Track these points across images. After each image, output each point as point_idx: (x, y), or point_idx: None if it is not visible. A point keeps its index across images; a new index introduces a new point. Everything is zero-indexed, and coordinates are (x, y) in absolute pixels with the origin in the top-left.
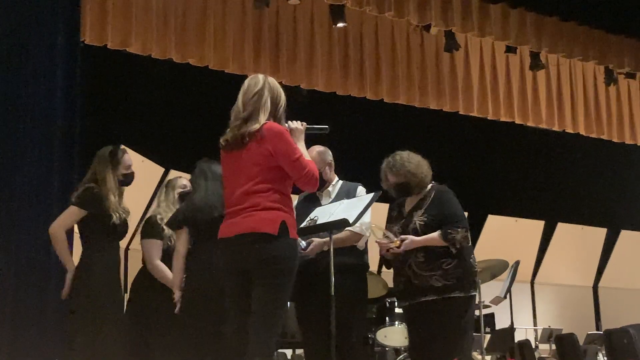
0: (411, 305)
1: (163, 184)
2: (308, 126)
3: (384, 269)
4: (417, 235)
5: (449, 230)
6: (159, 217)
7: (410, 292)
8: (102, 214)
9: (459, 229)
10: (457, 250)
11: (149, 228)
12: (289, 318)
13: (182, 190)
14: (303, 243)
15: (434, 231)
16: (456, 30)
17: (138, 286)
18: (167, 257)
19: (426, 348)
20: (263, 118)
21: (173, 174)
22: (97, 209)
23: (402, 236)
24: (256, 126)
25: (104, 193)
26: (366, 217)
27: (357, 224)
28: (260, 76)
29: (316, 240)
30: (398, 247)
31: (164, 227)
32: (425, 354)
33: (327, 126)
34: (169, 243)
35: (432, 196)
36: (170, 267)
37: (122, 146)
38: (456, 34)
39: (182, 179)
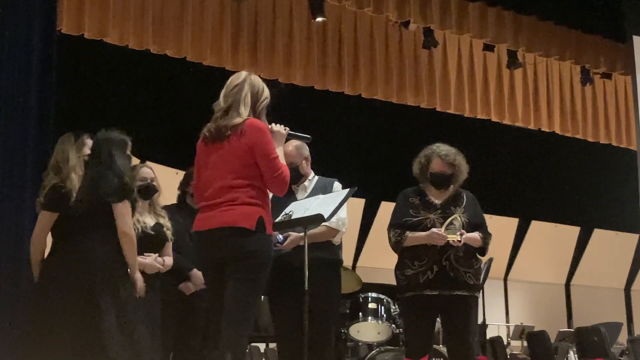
0: (442, 296)
1: None
2: (291, 132)
3: (358, 264)
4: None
5: (486, 236)
6: None
7: (443, 282)
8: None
9: (490, 236)
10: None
11: None
12: (263, 312)
13: (141, 183)
14: (280, 237)
15: (471, 231)
16: (435, 27)
17: None
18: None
19: (459, 339)
20: (245, 112)
21: (148, 165)
22: (66, 206)
23: (462, 230)
24: (238, 120)
25: (66, 173)
26: (342, 213)
27: (333, 219)
28: (244, 72)
29: (293, 234)
30: (459, 241)
31: None
32: (459, 344)
33: (309, 136)
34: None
35: (465, 197)
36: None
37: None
38: (435, 31)
39: (144, 169)
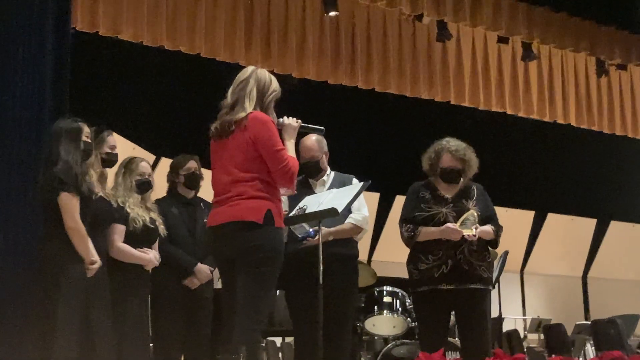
0: (457, 290)
1: (121, 164)
2: (303, 124)
3: (373, 258)
4: None
5: (497, 229)
6: (119, 200)
7: (458, 276)
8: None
9: (502, 228)
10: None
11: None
12: (279, 306)
13: (139, 177)
14: (311, 231)
15: (482, 224)
16: (448, 20)
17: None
18: (132, 239)
19: (475, 333)
20: (249, 106)
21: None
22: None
23: (477, 224)
24: (242, 114)
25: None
26: (365, 211)
27: (359, 218)
28: (251, 67)
29: (323, 229)
30: (474, 236)
31: (128, 210)
32: (474, 337)
33: (322, 127)
34: (135, 225)
35: (475, 190)
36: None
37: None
38: (448, 23)
39: (143, 164)
